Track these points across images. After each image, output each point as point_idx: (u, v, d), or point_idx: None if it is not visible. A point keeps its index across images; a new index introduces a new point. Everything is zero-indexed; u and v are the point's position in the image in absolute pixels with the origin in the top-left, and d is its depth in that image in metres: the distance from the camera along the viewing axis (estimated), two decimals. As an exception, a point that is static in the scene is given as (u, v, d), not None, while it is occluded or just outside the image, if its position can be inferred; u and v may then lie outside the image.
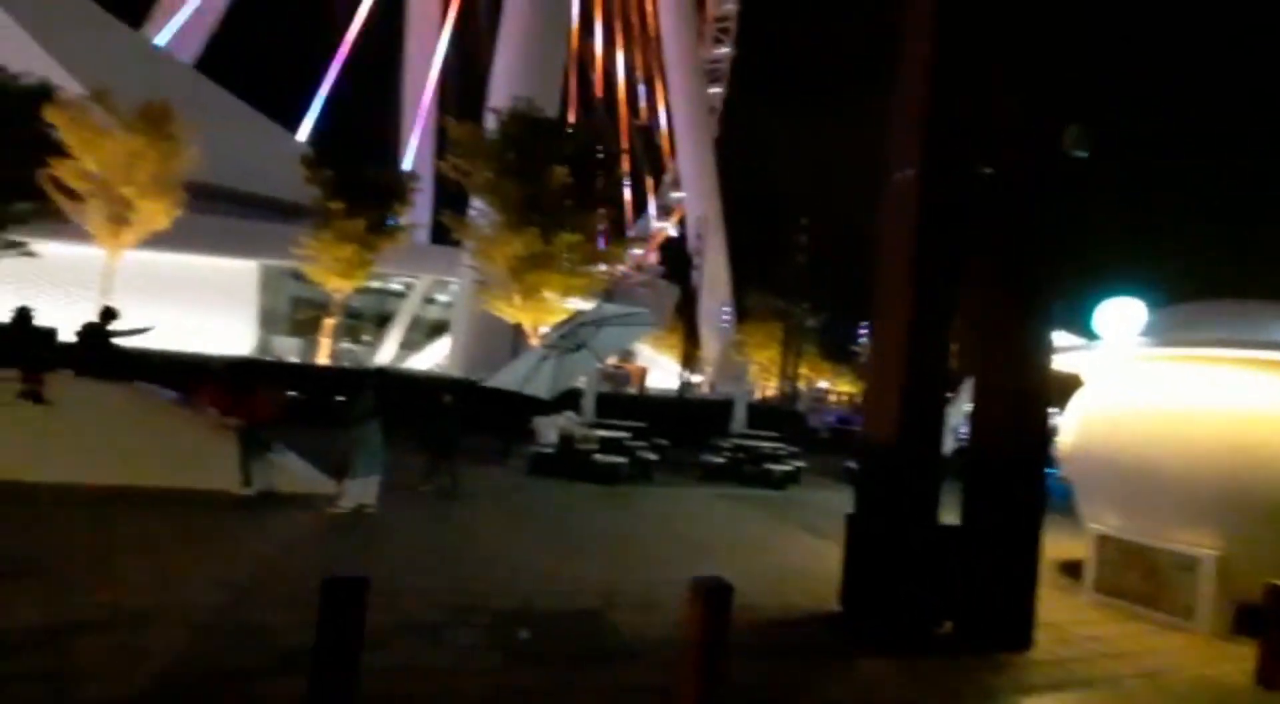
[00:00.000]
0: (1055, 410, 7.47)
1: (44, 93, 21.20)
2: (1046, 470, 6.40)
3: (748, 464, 14.55)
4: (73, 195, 20.77)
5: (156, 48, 40.61)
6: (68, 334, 9.41)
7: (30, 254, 22.42)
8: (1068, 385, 8.66)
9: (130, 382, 8.93)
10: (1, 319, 9.47)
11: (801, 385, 43.82)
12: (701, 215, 46.65)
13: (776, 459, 14.80)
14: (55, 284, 27.09)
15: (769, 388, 50.94)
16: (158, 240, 23.05)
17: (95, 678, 3.72)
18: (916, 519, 5.82)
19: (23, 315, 8.59)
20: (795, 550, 8.61)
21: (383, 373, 9.43)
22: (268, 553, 6.34)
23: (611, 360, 45.61)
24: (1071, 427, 8.32)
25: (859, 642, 5.51)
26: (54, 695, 3.52)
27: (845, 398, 67.18)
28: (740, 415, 17.69)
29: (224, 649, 4.27)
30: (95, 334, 8.75)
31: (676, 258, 59.06)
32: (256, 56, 50.60)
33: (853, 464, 13.11)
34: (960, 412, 11.59)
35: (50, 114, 20.18)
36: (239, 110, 37.63)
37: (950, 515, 6.06)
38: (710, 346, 53.09)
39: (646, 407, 25.06)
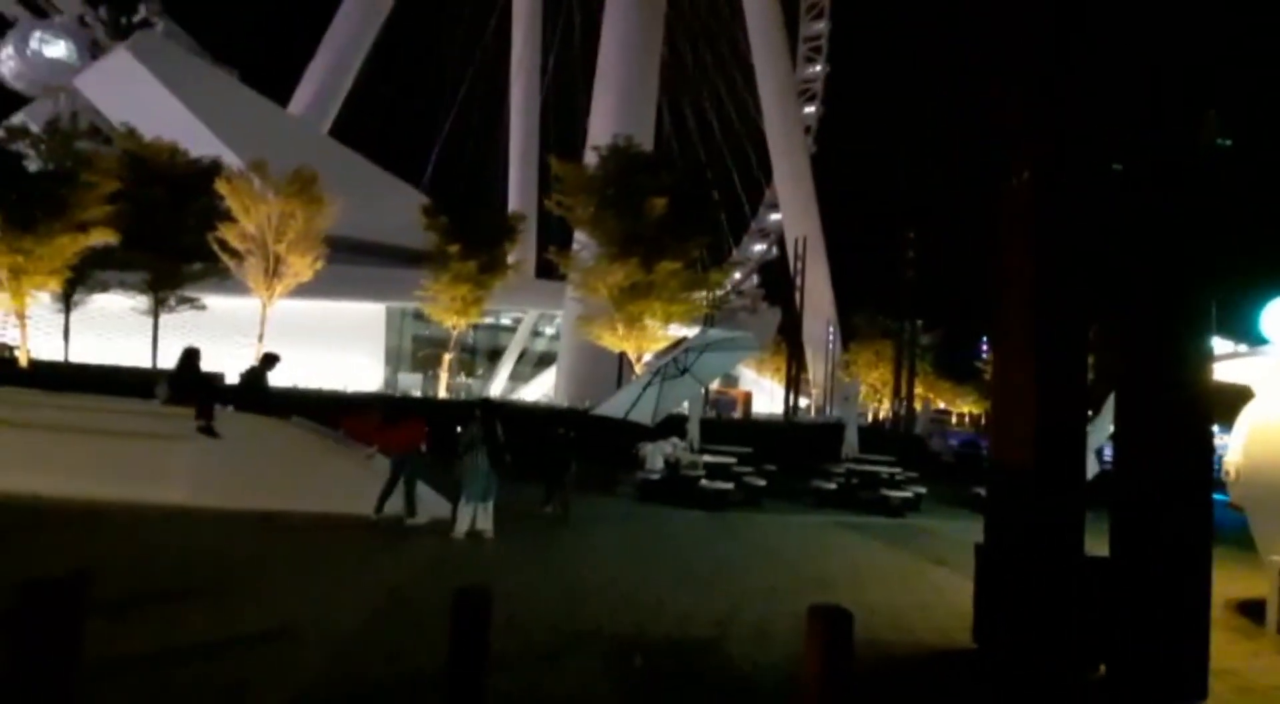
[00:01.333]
0: (1219, 428, 6.62)
1: (215, 169, 24.53)
2: (1212, 496, 5.66)
3: (862, 490, 13.90)
4: (234, 254, 23.65)
5: (299, 121, 45.81)
6: (232, 376, 10.71)
7: (201, 307, 25.71)
8: (1232, 398, 7.65)
9: (287, 417, 9.94)
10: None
11: (917, 406, 41.32)
12: (801, 235, 45.73)
13: (894, 485, 14.04)
14: (219, 332, 30.82)
15: (881, 410, 48.53)
16: (301, 289, 25.70)
17: (254, 688, 4.13)
18: (1057, 550, 5.32)
19: (189, 355, 9.71)
20: (920, 583, 8.09)
21: (488, 403, 9.93)
22: (397, 577, 6.78)
23: (715, 385, 45.40)
24: (1241, 445, 7.33)
25: (997, 682, 5.07)
26: (222, 702, 3.93)
27: (968, 419, 62.75)
28: (852, 439, 16.97)
29: (362, 666, 4.61)
30: (255, 376, 9.86)
31: (777, 280, 58.17)
32: (380, 119, 55.85)
33: (981, 491, 12.19)
34: (1103, 432, 10.52)
35: (219, 185, 23.25)
36: (366, 169, 41.49)
37: (1096, 547, 5.49)
38: (816, 368, 51.48)
39: (752, 431, 24.63)
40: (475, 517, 8.48)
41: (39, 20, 39.87)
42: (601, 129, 30.84)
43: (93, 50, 39.68)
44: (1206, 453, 5.62)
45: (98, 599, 3.60)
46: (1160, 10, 5.91)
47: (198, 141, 28.28)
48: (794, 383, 35.98)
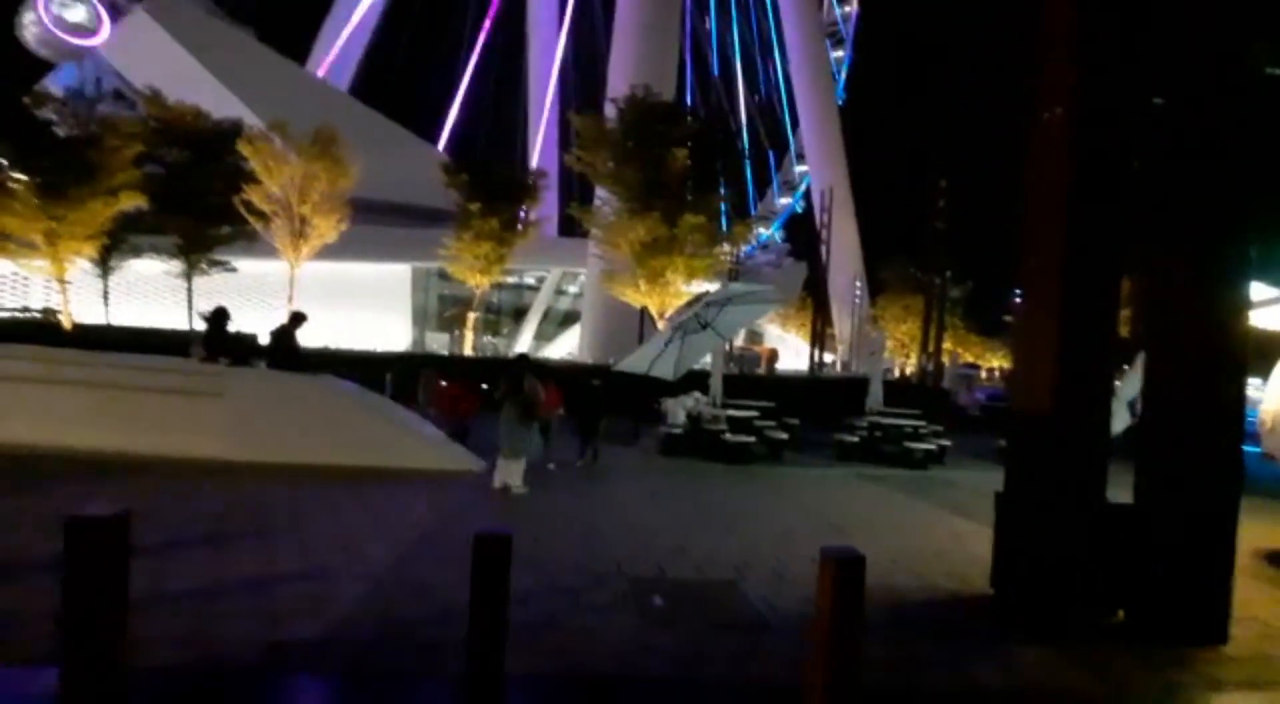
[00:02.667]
0: (1256, 378, 6.42)
1: (236, 130, 24.61)
2: (1242, 446, 5.53)
3: (886, 443, 13.87)
4: (261, 216, 23.91)
5: (319, 80, 45.49)
6: (264, 337, 10.97)
7: (231, 270, 26.19)
8: (1270, 347, 7.39)
9: (316, 373, 10.19)
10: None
11: (945, 361, 40.75)
12: (828, 187, 44.59)
13: (918, 438, 13.97)
14: (250, 295, 31.45)
15: (909, 365, 47.96)
16: (327, 251, 25.98)
17: (291, 618, 4.36)
18: (1078, 496, 5.27)
19: (218, 314, 9.95)
20: (940, 531, 8.13)
21: (525, 358, 10.13)
22: (427, 522, 7.03)
23: (739, 341, 45.21)
24: (1277, 395, 7.11)
25: (1013, 626, 5.12)
26: (260, 630, 4.17)
27: (997, 373, 61.73)
28: (876, 393, 16.82)
29: (394, 600, 4.83)
30: (285, 335, 10.08)
31: (803, 233, 57.11)
32: (398, 77, 55.20)
33: (1005, 442, 12.08)
34: (1135, 384, 10.28)
35: (241, 146, 23.35)
36: (387, 128, 41.29)
37: (1124, 498, 5.43)
38: (843, 324, 50.89)
39: (776, 386, 24.62)
40: (509, 469, 8.66)
41: (58, -17, 39.80)
42: (621, 80, 30.06)
43: (112, 14, 39.62)
44: (1239, 401, 5.45)
45: (142, 543, 3.80)
46: None
47: (219, 103, 28.33)
48: (819, 338, 35.64)
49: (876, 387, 17.00)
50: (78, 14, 39.87)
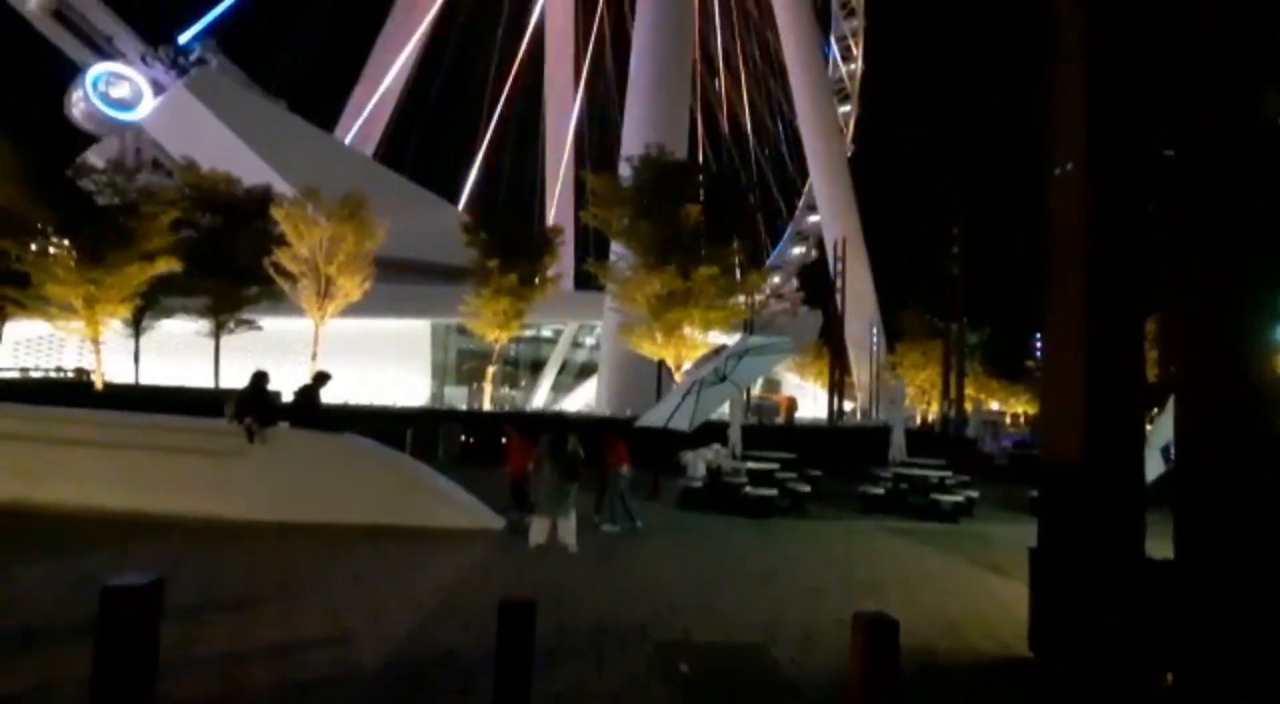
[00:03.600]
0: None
1: (267, 196, 25.72)
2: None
3: (912, 495, 13.58)
4: (288, 277, 24.68)
5: (347, 146, 47.58)
6: (288, 394, 11.17)
7: (257, 328, 26.87)
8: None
9: (340, 432, 10.31)
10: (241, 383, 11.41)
11: (968, 407, 40.13)
12: (840, 237, 45.11)
13: (945, 489, 13.68)
14: (274, 352, 32.10)
15: (930, 412, 47.28)
16: (350, 308, 26.61)
17: (314, 688, 4.31)
18: (1115, 552, 5.13)
19: (258, 378, 10.17)
20: (974, 589, 7.87)
21: (563, 420, 10.22)
22: (449, 584, 6.97)
23: (757, 390, 44.96)
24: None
25: (1054, 692, 4.91)
26: (284, 700, 4.12)
27: (1022, 419, 60.54)
28: (899, 442, 16.60)
29: (418, 667, 4.76)
30: (308, 394, 10.26)
31: (817, 282, 57.44)
32: (422, 141, 57.56)
33: (1036, 493, 11.78)
34: (1167, 429, 10.05)
35: (274, 212, 24.35)
36: (410, 190, 42.74)
37: (1162, 550, 5.27)
38: (861, 371, 50.54)
39: (796, 436, 24.35)
40: (556, 529, 8.51)
41: (105, 63, 42.49)
42: (634, 139, 31.10)
43: (155, 89, 42.05)
44: (1276, 449, 5.33)
45: (170, 606, 3.83)
46: None
47: (252, 170, 29.66)
48: (837, 386, 35.39)
49: (899, 435, 16.78)
50: (122, 90, 42.32)
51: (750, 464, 13.39)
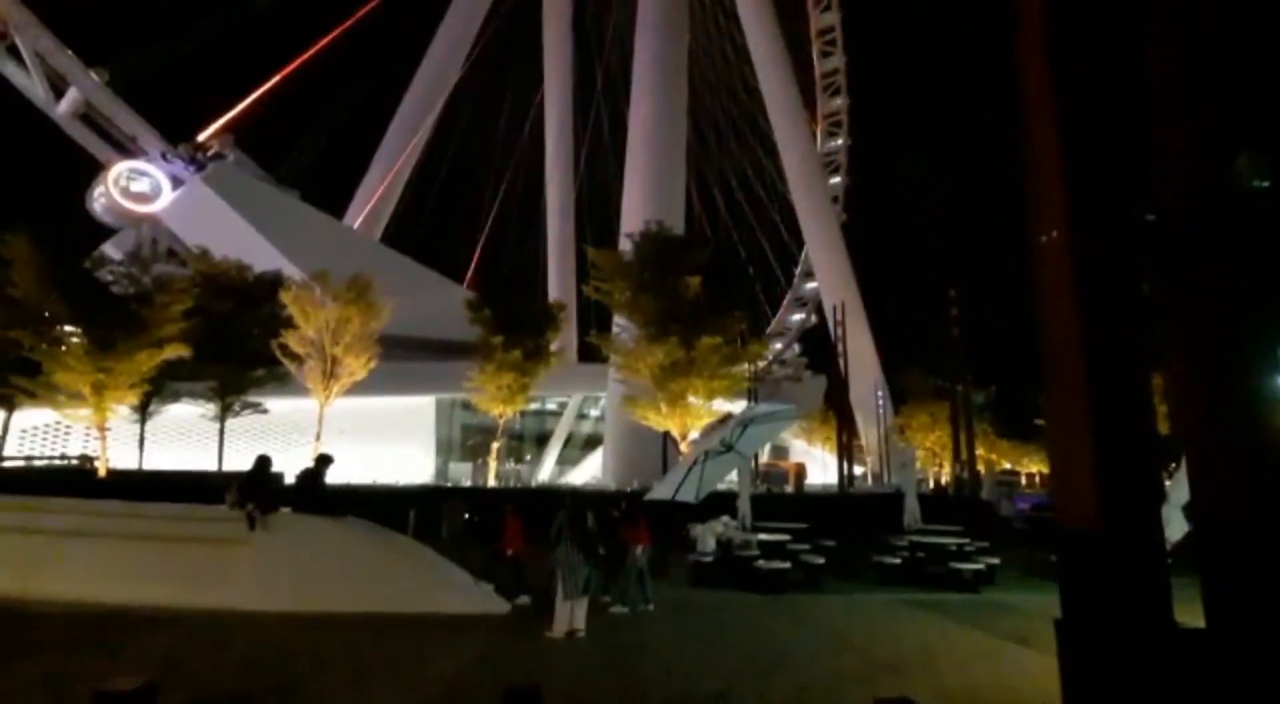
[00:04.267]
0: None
1: (277, 281, 26.40)
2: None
3: (930, 564, 13.17)
4: (295, 358, 24.97)
5: (354, 231, 49.20)
6: (290, 476, 11.09)
7: (263, 411, 26.94)
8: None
9: (342, 516, 10.17)
10: (243, 466, 11.36)
11: (980, 469, 39.44)
12: (839, 302, 45.76)
13: (963, 556, 13.28)
14: (278, 433, 32.05)
15: (943, 474, 46.45)
16: (355, 387, 26.75)
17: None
18: (1143, 621, 4.94)
19: (262, 462, 10.14)
20: (1002, 664, 7.52)
21: (576, 495, 10.10)
22: (452, 673, 6.70)
23: (765, 457, 44.39)
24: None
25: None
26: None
27: (1038, 479, 59.32)
28: (913, 508, 16.24)
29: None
30: (312, 478, 10.19)
31: (819, 346, 57.78)
32: (428, 223, 59.68)
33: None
34: (1186, 486, 9.87)
35: (283, 296, 24.92)
36: (415, 270, 43.86)
37: (1192, 617, 5.08)
38: (869, 435, 50.07)
39: (807, 504, 23.87)
40: (573, 613, 8.24)
41: (127, 160, 44.62)
42: (633, 215, 32.16)
43: (174, 183, 43.95)
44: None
45: (171, 702, 3.69)
46: (1190, 56, 5.88)
47: (264, 257, 30.59)
48: (845, 451, 34.96)
49: (912, 501, 16.44)
50: (142, 185, 44.21)
51: (761, 536, 13.08)
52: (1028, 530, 22.08)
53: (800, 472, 41.66)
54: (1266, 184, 6.25)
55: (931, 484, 44.63)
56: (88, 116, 44.68)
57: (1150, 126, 5.93)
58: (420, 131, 57.18)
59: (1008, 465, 58.77)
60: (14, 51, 42.12)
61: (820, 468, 49.03)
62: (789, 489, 35.27)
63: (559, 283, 57.84)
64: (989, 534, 16.02)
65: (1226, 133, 5.84)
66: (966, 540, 13.97)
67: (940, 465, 46.05)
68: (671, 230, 25.94)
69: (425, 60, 56.25)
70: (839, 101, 74.35)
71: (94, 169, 44.69)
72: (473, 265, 58.19)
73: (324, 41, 51.78)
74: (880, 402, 49.93)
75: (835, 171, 73.35)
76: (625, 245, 25.83)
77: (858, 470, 46.12)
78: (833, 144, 74.38)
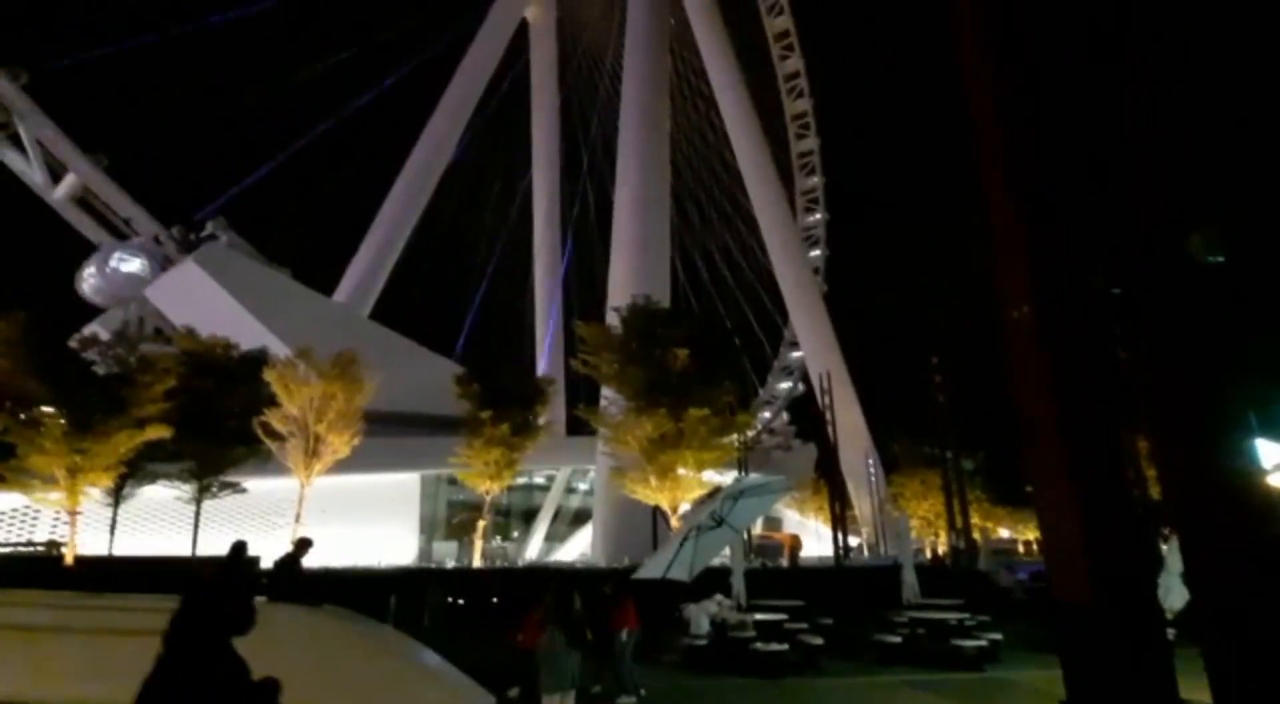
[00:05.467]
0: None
1: (261, 358, 26.27)
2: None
3: (931, 641, 12.76)
4: (276, 437, 24.53)
5: (342, 308, 49.57)
6: (267, 560, 10.70)
7: (242, 491, 26.19)
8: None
9: (319, 605, 9.74)
10: (217, 553, 10.97)
11: (977, 537, 38.78)
12: (825, 371, 46.20)
13: (965, 632, 12.90)
14: (256, 515, 31.06)
15: (939, 544, 45.60)
16: (337, 464, 26.19)
17: None
18: (1148, 699, 4.81)
19: (236, 551, 9.79)
20: (1010, 750, 7.19)
21: (561, 575, 9.70)
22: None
23: (758, 529, 43.47)
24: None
25: None
26: None
27: (1036, 546, 58.33)
28: (910, 581, 15.91)
29: None
30: (289, 564, 9.83)
31: (807, 414, 57.82)
32: (417, 298, 60.41)
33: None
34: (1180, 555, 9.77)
35: (266, 373, 24.73)
36: (402, 345, 43.95)
37: (1198, 692, 4.94)
38: (861, 504, 49.41)
39: (803, 579, 23.26)
40: None
41: (119, 242, 45.18)
42: (620, 290, 32.79)
43: (164, 264, 44.37)
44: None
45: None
46: (1146, 132, 6.27)
47: (251, 335, 30.57)
48: (839, 522, 34.39)
49: (910, 574, 16.11)
50: (133, 266, 44.56)
51: (757, 615, 12.67)
52: (1029, 601, 21.56)
53: (795, 544, 40.73)
54: (1221, 259, 6.59)
55: (928, 554, 43.74)
56: (83, 200, 45.57)
57: (1107, 205, 6.29)
58: (412, 210, 58.74)
59: (1004, 533, 57.96)
60: (15, 139, 43.33)
61: (815, 538, 48.03)
62: (784, 563, 34.37)
63: (547, 358, 58.15)
64: (989, 606, 15.65)
65: (1180, 209, 6.19)
66: (967, 615, 13.61)
67: (936, 534, 45.29)
68: (658, 303, 26.40)
69: (419, 142, 58.49)
70: (815, 180, 77.71)
71: (82, 250, 45.17)
72: (461, 340, 58.54)
73: (320, 127, 53.88)
74: (872, 470, 49.60)
75: (815, 244, 75.74)
76: (612, 319, 26.19)
77: (853, 541, 45.19)
78: (811, 219, 77.20)
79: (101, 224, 45.94)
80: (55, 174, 44.43)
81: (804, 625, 13.02)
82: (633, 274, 36.20)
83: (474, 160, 61.69)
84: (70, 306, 43.20)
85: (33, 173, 43.53)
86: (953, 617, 13.38)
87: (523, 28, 64.80)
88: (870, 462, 50.09)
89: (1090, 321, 5.95)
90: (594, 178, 64.12)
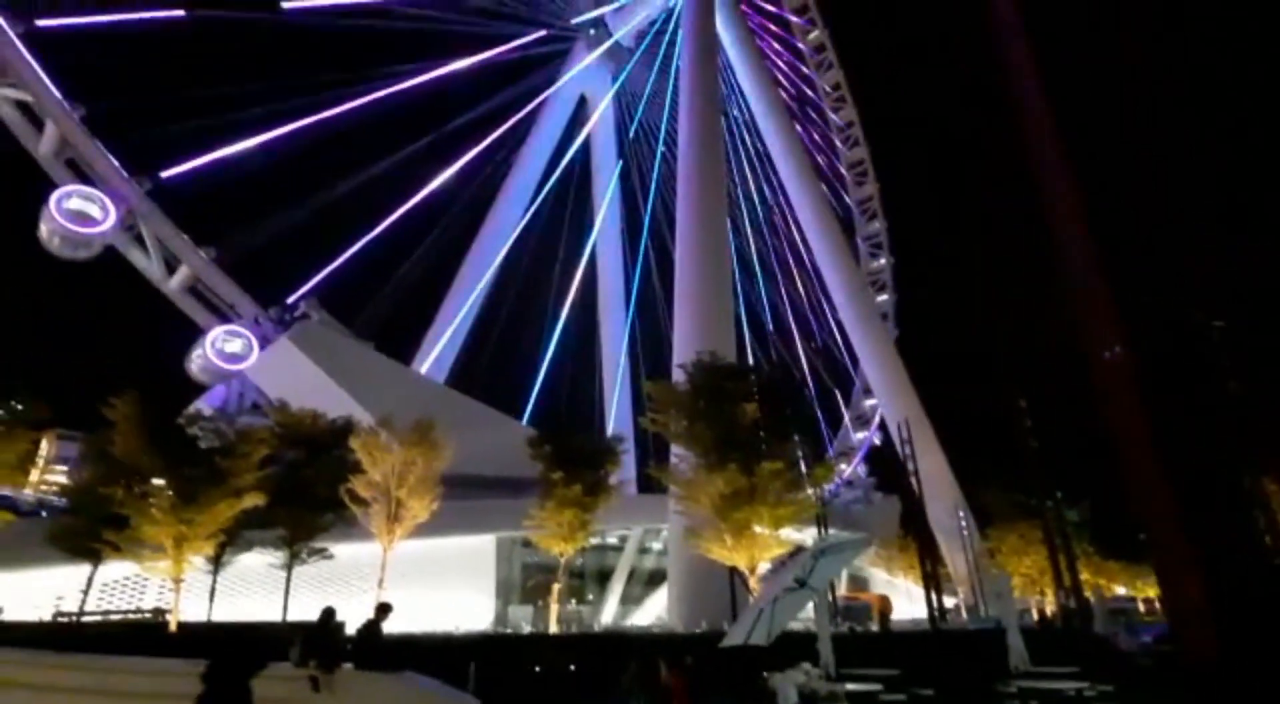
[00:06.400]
0: None
1: (348, 428, 27.65)
2: None
3: (1046, 715, 11.59)
4: (361, 502, 25.48)
5: (421, 376, 51.90)
6: (352, 625, 10.95)
7: (329, 557, 27.12)
8: None
9: (399, 671, 9.84)
10: (308, 617, 11.29)
11: (1089, 595, 35.34)
12: (902, 418, 44.32)
13: (1084, 704, 11.65)
14: (340, 580, 31.94)
15: (1046, 604, 41.78)
16: (416, 528, 26.81)
17: None
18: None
19: (327, 615, 10.07)
20: None
21: (643, 641, 9.37)
22: None
23: (842, 589, 41.16)
24: None
25: None
26: None
27: (1158, 605, 52.52)
28: (1017, 645, 14.56)
29: None
30: (371, 630, 10.03)
31: (887, 465, 55.33)
32: (488, 362, 62.60)
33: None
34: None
35: (352, 442, 25.97)
36: (478, 410, 45.28)
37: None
38: (955, 560, 46.21)
39: (896, 645, 21.76)
40: None
41: (224, 324, 49.40)
42: (685, 347, 32.97)
43: (262, 342, 48.02)
44: None
45: None
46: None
47: (338, 406, 32.30)
48: (932, 581, 32.18)
49: (1015, 638, 14.77)
50: (235, 346, 48.44)
51: (849, 685, 11.90)
52: (1154, 668, 19.27)
53: (885, 606, 38.22)
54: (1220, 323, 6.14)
55: (1035, 616, 40.03)
56: (193, 288, 50.30)
57: (1198, 236, 6.00)
58: (482, 281, 61.65)
59: (1121, 590, 52.56)
60: (139, 239, 48.69)
61: (905, 599, 45.02)
62: (874, 627, 32.25)
63: (617, 417, 58.52)
64: (1110, 675, 14.05)
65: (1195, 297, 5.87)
66: (1086, 683, 12.30)
67: (1041, 593, 41.66)
68: (723, 358, 26.34)
69: (488, 217, 61.88)
70: (876, 224, 76.94)
71: (193, 333, 49.45)
72: (531, 402, 59.82)
73: (403, 208, 57.86)
74: (963, 524, 46.54)
75: (881, 289, 74.25)
76: (679, 376, 26.26)
77: (948, 602, 42.08)
78: (876, 263, 76.01)
79: (209, 309, 50.43)
80: (170, 266, 49.42)
81: (901, 697, 12.11)
82: (697, 329, 36.41)
83: (540, 229, 64.57)
84: (179, 386, 47.03)
85: (152, 267, 48.53)
86: (1070, 686, 12.12)
87: (583, 102, 68.51)
88: (961, 514, 47.06)
89: (1192, 358, 5.59)
90: (656, 238, 65.70)
